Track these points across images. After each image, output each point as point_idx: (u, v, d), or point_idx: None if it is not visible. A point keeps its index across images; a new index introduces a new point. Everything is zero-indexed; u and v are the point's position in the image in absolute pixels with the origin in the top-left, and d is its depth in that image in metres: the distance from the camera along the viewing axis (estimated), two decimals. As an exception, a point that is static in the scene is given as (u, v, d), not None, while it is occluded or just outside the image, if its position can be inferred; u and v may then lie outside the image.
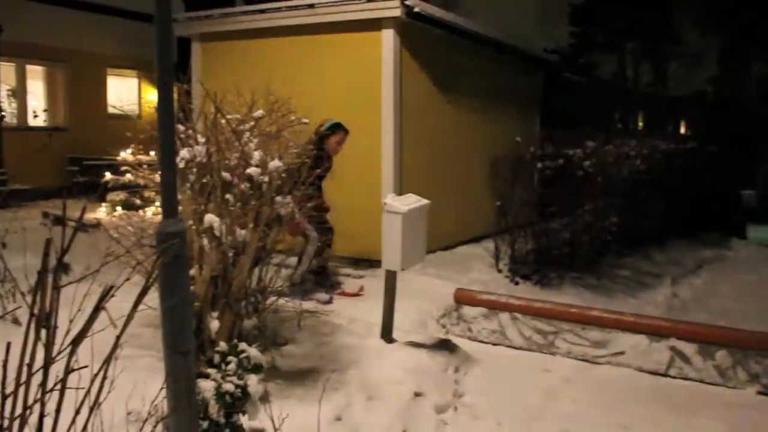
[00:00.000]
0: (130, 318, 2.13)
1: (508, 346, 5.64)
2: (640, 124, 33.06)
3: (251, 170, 3.98)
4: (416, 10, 7.50)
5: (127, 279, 2.34)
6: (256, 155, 4.04)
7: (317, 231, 6.00)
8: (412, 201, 4.89)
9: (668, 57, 40.09)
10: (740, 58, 42.11)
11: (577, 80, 22.45)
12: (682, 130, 35.59)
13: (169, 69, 2.71)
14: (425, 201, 5.01)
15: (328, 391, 3.82)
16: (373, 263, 7.03)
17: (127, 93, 15.47)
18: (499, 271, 7.65)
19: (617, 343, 5.33)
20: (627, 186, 8.50)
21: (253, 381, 3.39)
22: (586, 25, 40.26)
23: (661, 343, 5.19)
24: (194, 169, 4.01)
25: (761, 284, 9.20)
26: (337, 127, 6.45)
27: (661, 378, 5.09)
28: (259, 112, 4.31)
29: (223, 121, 4.16)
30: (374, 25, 7.70)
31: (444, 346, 5.04)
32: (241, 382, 3.35)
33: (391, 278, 4.94)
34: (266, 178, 4.03)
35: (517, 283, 7.38)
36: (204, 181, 4.02)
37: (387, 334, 4.95)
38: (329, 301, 5.93)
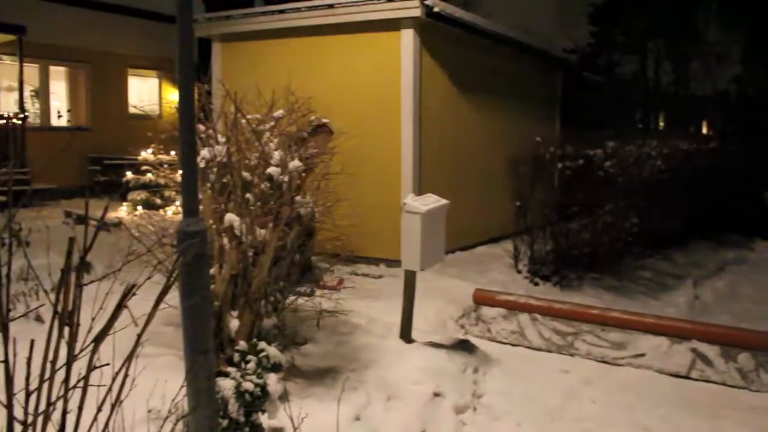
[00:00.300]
0: (151, 316, 2.14)
1: (527, 347, 5.61)
2: (662, 124, 32.78)
3: (271, 170, 3.99)
4: (436, 10, 7.49)
5: (149, 278, 2.35)
6: (276, 155, 4.06)
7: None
8: (431, 201, 4.89)
9: (690, 56, 39.73)
10: (764, 56, 41.68)
11: (597, 80, 22.31)
12: (704, 130, 35.23)
13: (190, 69, 2.73)
14: (444, 201, 5.00)
15: (347, 390, 3.82)
16: (392, 263, 7.03)
17: (147, 93, 15.58)
18: (519, 271, 7.62)
19: (638, 344, 5.29)
20: (648, 187, 8.43)
21: (272, 380, 3.41)
22: (606, 24, 40.00)
23: (683, 345, 5.15)
24: (215, 169, 4.03)
25: (784, 286, 9.10)
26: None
27: (682, 380, 5.04)
28: (279, 112, 4.32)
29: (244, 121, 4.18)
30: (394, 25, 7.70)
31: (463, 346, 5.03)
32: (260, 381, 3.36)
33: (410, 278, 4.93)
34: (286, 178, 4.04)
35: (536, 284, 7.35)
36: (224, 180, 4.04)
37: (406, 335, 4.94)
38: (312, 293, 6.00)
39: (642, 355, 5.26)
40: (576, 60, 15.40)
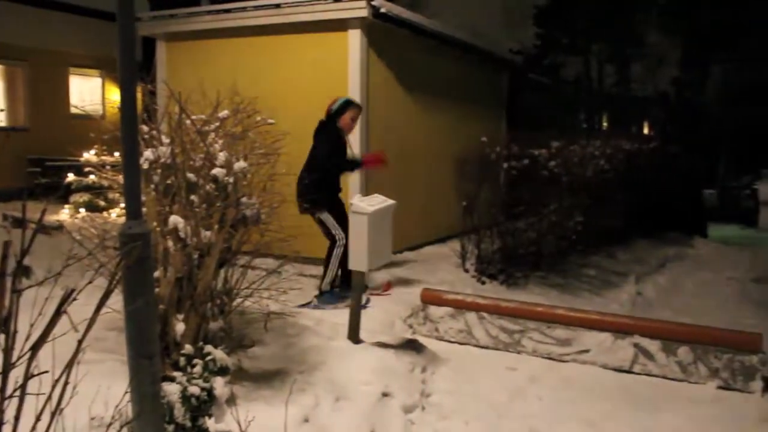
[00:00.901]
0: (92, 321, 2.10)
1: (474, 346, 5.67)
2: (605, 124, 33.51)
3: (216, 171, 3.95)
4: (382, 10, 7.51)
5: (90, 282, 2.30)
6: (222, 156, 4.01)
7: (342, 229, 5.94)
8: (378, 201, 4.90)
9: (631, 58, 40.73)
10: (701, 60, 43.04)
11: (542, 81, 22.69)
12: (646, 131, 36.14)
13: (132, 69, 2.68)
14: (391, 201, 5.03)
15: (295, 392, 3.80)
16: (340, 264, 7.02)
17: (90, 93, 15.23)
18: (466, 270, 7.69)
19: (582, 341, 5.39)
20: (591, 186, 8.60)
21: (219, 383, 3.38)
22: (550, 26, 40.72)
23: (625, 340, 5.27)
24: (159, 170, 3.97)
25: (721, 281, 9.40)
26: (349, 104, 6.40)
27: (625, 375, 5.17)
28: (224, 113, 4.28)
29: (188, 121, 4.13)
30: (341, 25, 7.69)
31: (411, 346, 5.06)
32: (207, 385, 3.33)
33: (358, 279, 4.94)
34: (231, 179, 4.00)
35: (483, 283, 7.42)
36: (169, 182, 3.98)
37: (354, 335, 4.95)
38: (366, 305, 5.90)
39: (586, 351, 5.36)
40: (522, 61, 15.62)
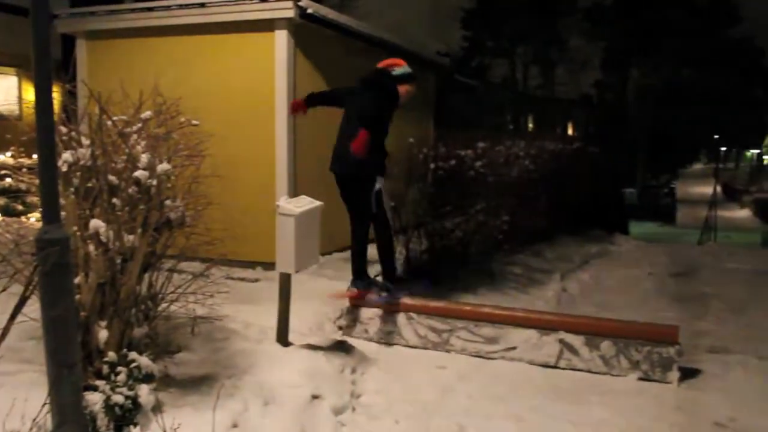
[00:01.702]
0: (6, 330, 2.03)
1: (404, 346, 5.71)
2: (530, 125, 34.27)
3: (139, 173, 3.86)
4: (310, 11, 7.48)
5: (4, 289, 2.22)
6: (144, 158, 3.93)
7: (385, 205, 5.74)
8: (305, 203, 4.89)
9: (555, 62, 41.86)
10: (621, 64, 44.63)
11: (469, 83, 23.01)
12: (569, 131, 37.12)
13: (48, 68, 2.60)
14: (318, 203, 5.02)
15: (223, 397, 3.75)
16: (269, 266, 6.95)
17: (5, 92, 14.64)
18: (395, 271, 7.72)
19: (509, 338, 5.49)
20: (517, 185, 8.77)
21: (144, 391, 3.30)
22: (476, 29, 41.46)
23: (551, 337, 5.39)
24: (78, 173, 3.85)
25: (642, 277, 9.72)
26: (414, 78, 6.08)
27: (551, 370, 5.31)
28: (147, 114, 4.18)
29: (109, 122, 4.02)
30: (267, 25, 7.63)
31: (340, 347, 5.07)
32: (131, 393, 3.25)
33: (285, 281, 4.91)
34: (154, 182, 3.92)
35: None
36: (89, 185, 3.87)
37: (283, 338, 4.92)
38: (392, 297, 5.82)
39: (513, 348, 5.47)
40: (449, 63, 15.77)
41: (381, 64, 6.01)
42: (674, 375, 5.07)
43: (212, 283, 4.62)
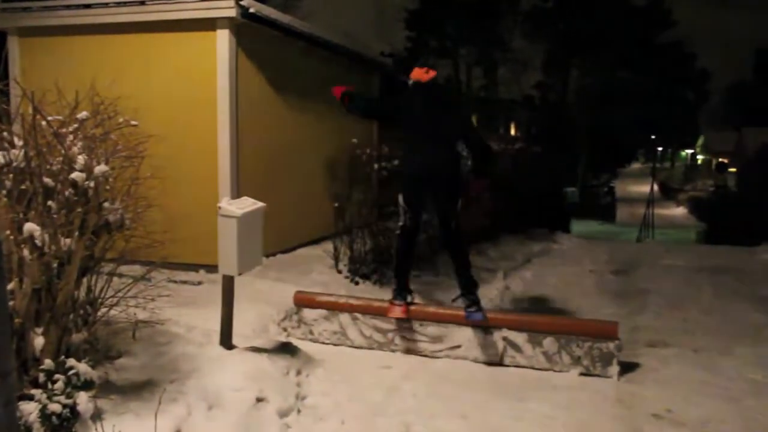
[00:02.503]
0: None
1: (349, 346, 5.73)
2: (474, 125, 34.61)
3: (75, 175, 3.76)
4: (252, 10, 7.41)
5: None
6: (81, 159, 3.83)
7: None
8: (247, 204, 4.84)
9: (498, 63, 42.40)
10: (561, 65, 45.55)
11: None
12: (513, 132, 37.67)
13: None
14: (261, 204, 4.97)
15: (166, 402, 3.69)
16: (212, 269, 6.87)
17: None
18: (339, 272, 7.72)
19: (454, 336, 5.54)
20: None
21: (83, 399, 3.23)
22: (420, 29, 41.72)
23: (495, 334, 5.46)
24: (11, 175, 3.73)
25: (583, 274, 9.93)
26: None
27: (495, 367, 5.38)
28: (83, 114, 4.08)
29: (44, 122, 3.91)
30: (209, 24, 7.53)
31: (285, 349, 5.04)
32: (69, 401, 3.17)
33: (228, 283, 4.86)
34: (92, 184, 3.83)
35: (356, 283, 7.48)
36: (23, 187, 3.75)
37: (226, 341, 4.86)
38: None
39: (458, 346, 5.52)
40: (393, 63, 15.83)
41: (432, 76, 5.82)
42: (614, 369, 5.20)
43: (154, 286, 4.56)
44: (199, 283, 7.01)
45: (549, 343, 5.35)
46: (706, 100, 55.41)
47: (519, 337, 5.42)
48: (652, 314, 7.43)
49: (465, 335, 5.51)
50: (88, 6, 7.84)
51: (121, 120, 4.20)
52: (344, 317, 5.79)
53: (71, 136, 4.00)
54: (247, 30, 7.74)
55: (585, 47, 42.22)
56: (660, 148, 67.48)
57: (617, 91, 42.82)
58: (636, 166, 73.41)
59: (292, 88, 9.11)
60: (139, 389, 3.99)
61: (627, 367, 5.36)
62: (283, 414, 4.19)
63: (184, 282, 6.92)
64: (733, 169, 36.26)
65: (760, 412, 4.56)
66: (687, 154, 73.18)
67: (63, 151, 3.86)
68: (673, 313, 7.49)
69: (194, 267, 7.34)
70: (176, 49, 7.73)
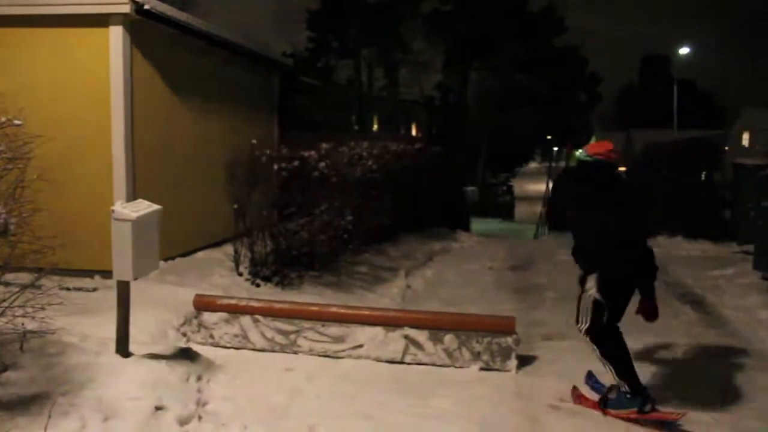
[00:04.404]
0: None
1: (251, 349, 5.66)
2: (375, 126, 34.83)
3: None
4: (146, 7, 7.19)
5: None
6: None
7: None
8: (142, 207, 4.70)
9: (398, 64, 42.87)
10: (460, 67, 46.58)
11: (314, 84, 23.07)
12: (414, 132, 38.12)
13: None
14: (157, 207, 4.84)
15: (57, 416, 3.54)
16: (107, 274, 6.63)
17: None
18: (240, 274, 7.62)
19: (356, 336, 5.57)
20: (361, 185, 8.89)
21: (-38, 416, 3.05)
22: (322, 30, 41.67)
23: (396, 333, 5.52)
24: None
25: (482, 271, 10.18)
26: None
27: (397, 365, 5.44)
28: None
29: None
30: (102, 20, 7.25)
31: (185, 355, 4.94)
32: (-52, 419, 2.99)
33: (123, 289, 4.70)
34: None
35: (258, 286, 7.40)
36: None
37: (123, 349, 4.70)
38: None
39: (360, 346, 5.55)
40: (293, 64, 15.75)
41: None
42: (513, 363, 5.37)
43: (44, 294, 4.35)
44: (94, 289, 6.77)
45: (450, 339, 5.46)
46: (598, 101, 57.85)
47: (420, 335, 5.50)
48: (547, 308, 7.71)
49: (367, 335, 5.55)
50: (-34, -4, 7.40)
51: (3, 119, 3.99)
52: (245, 320, 5.72)
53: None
54: (143, 27, 7.52)
55: (483, 50, 43.36)
56: (556, 148, 69.95)
57: (515, 92, 44.18)
58: (533, 165, 75.74)
59: (191, 87, 8.92)
60: (27, 404, 3.80)
61: (525, 361, 5.54)
62: (184, 422, 4.09)
63: (78, 289, 6.66)
64: (623, 168, 37.95)
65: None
66: (581, 153, 76.02)
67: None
68: (568, 307, 7.69)
69: (89, 273, 7.06)
70: (67, 45, 7.40)
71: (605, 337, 4.56)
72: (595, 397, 4.78)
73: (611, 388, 4.63)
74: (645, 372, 5.16)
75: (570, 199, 4.94)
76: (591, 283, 4.53)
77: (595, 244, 4.61)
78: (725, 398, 4.90)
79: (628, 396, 4.47)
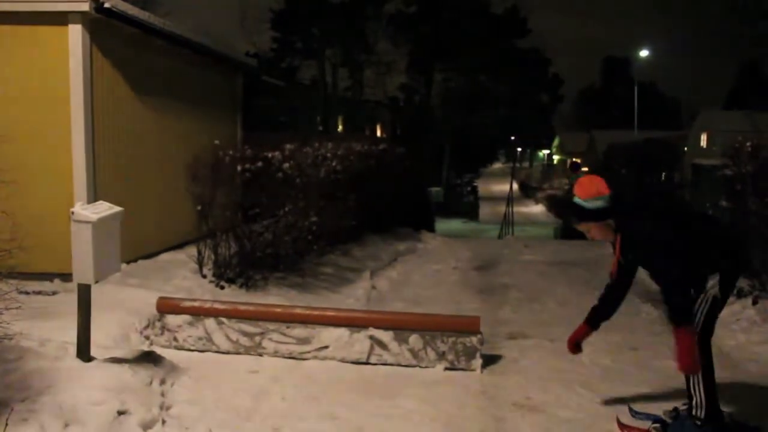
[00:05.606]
0: None
1: (215, 352, 5.62)
2: (340, 126, 34.81)
3: None
4: (107, 5, 7.09)
5: None
6: None
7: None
8: (103, 209, 4.63)
9: (363, 64, 42.91)
10: (424, 68, 46.82)
11: (278, 84, 22.97)
12: (378, 133, 38.16)
13: None
14: (118, 208, 4.77)
15: (15, 423, 3.47)
16: (68, 277, 6.52)
17: None
18: (204, 276, 7.54)
19: (321, 337, 5.56)
20: (325, 186, 8.86)
21: None
22: (286, 30, 41.50)
23: (361, 334, 5.52)
24: None
25: (447, 272, 10.22)
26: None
27: (363, 366, 5.44)
28: None
29: None
30: (60, 19, 7.13)
31: (148, 358, 4.88)
32: None
33: (84, 292, 4.63)
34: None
35: (222, 288, 7.34)
36: None
37: (84, 353, 4.63)
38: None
39: (326, 347, 5.54)
40: (257, 64, 15.66)
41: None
42: (477, 362, 5.40)
43: (0, 298, 4.26)
44: (54, 293, 6.65)
45: (414, 339, 5.47)
46: (560, 102, 58.68)
47: (385, 336, 5.50)
48: (512, 308, 7.78)
49: (332, 336, 5.54)
50: None
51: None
52: (209, 322, 5.67)
53: None
54: (103, 26, 7.42)
55: (446, 52, 43.63)
56: (519, 149, 70.76)
57: (479, 93, 44.51)
58: (497, 165, 76.49)
59: (153, 87, 8.82)
60: (-18, 412, 3.72)
61: (490, 360, 5.58)
62: (147, 426, 4.05)
63: (38, 292, 6.54)
64: (585, 168, 38.52)
65: (609, 395, 4.86)
66: (544, 154, 77.11)
67: None
68: (532, 306, 7.87)
69: (48, 276, 6.95)
70: (23, 43, 7.27)
71: (708, 345, 4.16)
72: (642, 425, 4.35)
73: (678, 412, 4.27)
74: (601, 368, 5.24)
75: (682, 249, 4.13)
76: (713, 282, 4.13)
77: (715, 254, 4.21)
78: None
79: (698, 423, 4.02)
